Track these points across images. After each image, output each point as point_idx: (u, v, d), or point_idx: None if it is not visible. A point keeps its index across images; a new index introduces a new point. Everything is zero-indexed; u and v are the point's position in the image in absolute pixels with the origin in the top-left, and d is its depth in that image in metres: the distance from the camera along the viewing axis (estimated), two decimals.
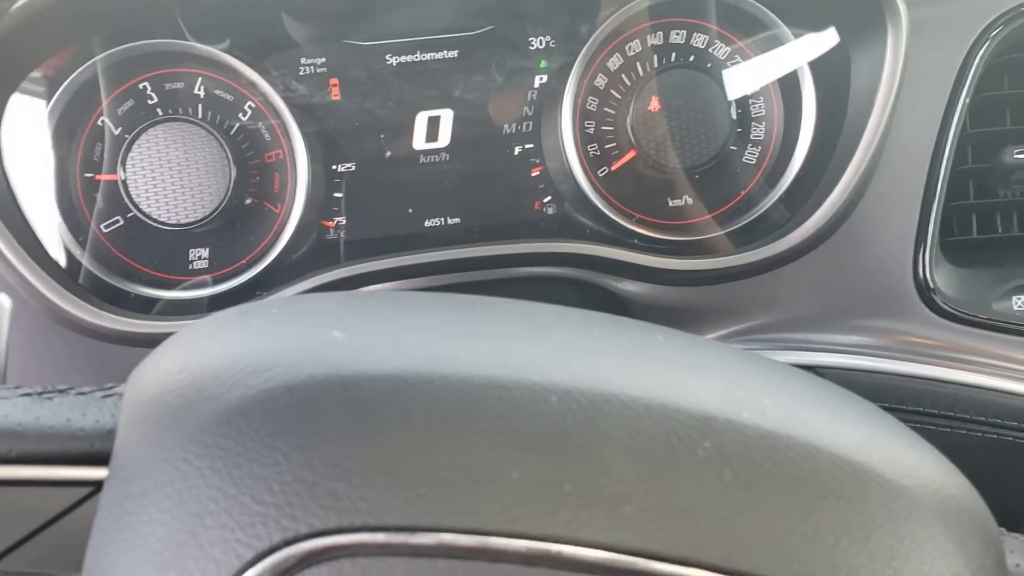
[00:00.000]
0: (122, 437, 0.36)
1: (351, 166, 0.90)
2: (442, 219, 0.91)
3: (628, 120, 0.89)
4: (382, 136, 0.90)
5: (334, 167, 0.90)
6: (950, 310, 0.84)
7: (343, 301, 0.42)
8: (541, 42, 0.90)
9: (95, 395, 0.39)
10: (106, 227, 0.86)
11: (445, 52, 0.89)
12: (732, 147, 0.91)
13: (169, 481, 0.33)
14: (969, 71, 0.83)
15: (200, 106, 0.86)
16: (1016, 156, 0.84)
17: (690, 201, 0.92)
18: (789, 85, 0.91)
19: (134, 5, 0.84)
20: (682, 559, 0.33)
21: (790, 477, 0.35)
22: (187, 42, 0.86)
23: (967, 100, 0.83)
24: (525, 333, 0.40)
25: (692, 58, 0.91)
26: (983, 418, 0.79)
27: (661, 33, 0.91)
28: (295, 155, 0.88)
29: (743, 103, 0.91)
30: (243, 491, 0.32)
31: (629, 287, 0.90)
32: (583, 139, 0.91)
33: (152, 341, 0.79)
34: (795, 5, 0.90)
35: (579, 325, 0.42)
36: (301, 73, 0.88)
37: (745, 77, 0.89)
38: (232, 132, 0.87)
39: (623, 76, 0.91)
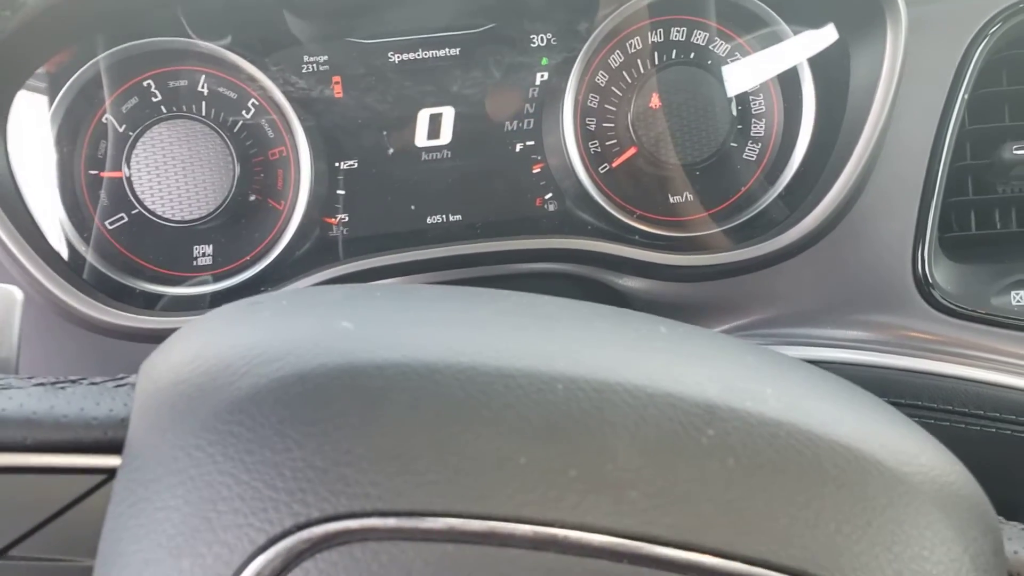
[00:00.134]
0: (135, 425, 0.36)
1: (353, 163, 0.90)
2: (444, 216, 0.91)
3: (629, 117, 0.89)
4: (384, 133, 0.90)
5: (337, 164, 0.90)
6: (949, 305, 0.85)
7: (351, 292, 0.42)
8: (542, 39, 0.91)
9: (107, 385, 0.39)
10: (111, 224, 0.87)
11: (447, 50, 0.90)
12: (732, 144, 0.91)
13: (182, 468, 0.34)
14: (968, 67, 0.83)
15: (204, 103, 0.87)
16: (1015, 152, 0.85)
17: (691, 197, 0.93)
18: (789, 82, 0.92)
19: (138, 4, 0.84)
20: (686, 544, 0.34)
21: (792, 464, 0.36)
22: (190, 40, 0.86)
23: (966, 96, 0.84)
24: (532, 324, 0.40)
25: (692, 55, 0.91)
26: (981, 411, 0.80)
27: (661, 30, 0.91)
28: (298, 152, 0.88)
29: (743, 100, 0.92)
30: (255, 477, 0.33)
31: (630, 283, 0.90)
32: (584, 136, 0.91)
33: (156, 337, 0.80)
34: (794, 2, 0.90)
35: (584, 316, 0.42)
36: (304, 70, 0.89)
37: (745, 74, 0.90)
38: (236, 129, 0.87)
39: (624, 73, 0.91)
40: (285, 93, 0.88)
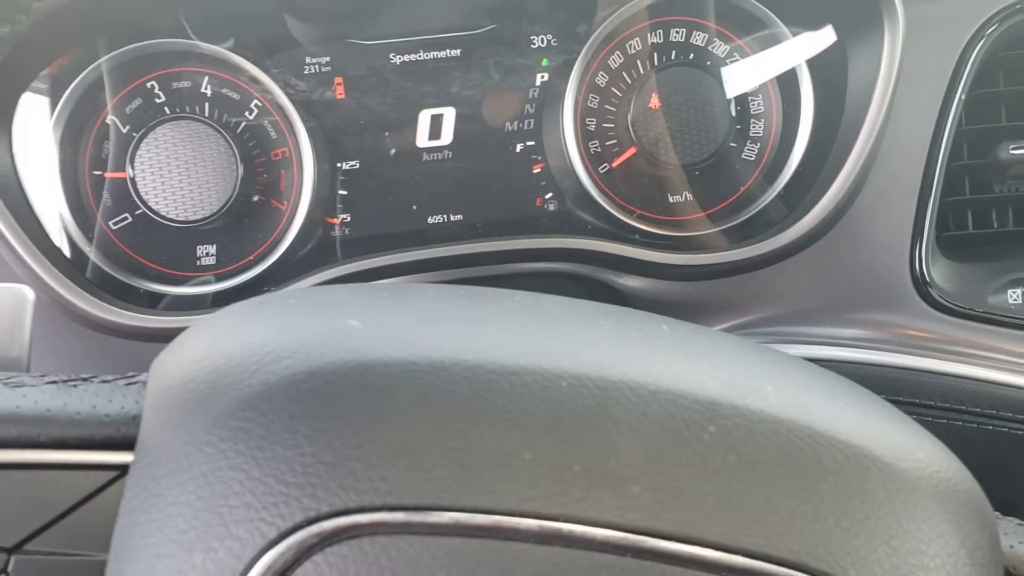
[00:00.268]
0: (147, 422, 0.37)
1: (355, 163, 0.91)
2: (445, 216, 0.92)
3: (629, 117, 0.90)
4: (386, 134, 0.91)
5: (339, 165, 0.91)
6: (946, 304, 0.85)
7: (358, 291, 0.43)
8: (542, 40, 0.92)
9: (119, 383, 0.40)
10: (115, 224, 0.87)
11: (448, 51, 0.90)
12: (731, 144, 0.92)
13: (195, 463, 0.34)
14: (965, 68, 0.84)
15: (207, 104, 0.87)
16: (1011, 152, 0.85)
17: (690, 197, 0.93)
18: (787, 82, 0.93)
19: (141, 7, 0.85)
20: (688, 537, 0.34)
21: (792, 460, 0.37)
22: (193, 42, 0.87)
23: (963, 97, 0.85)
24: (536, 322, 0.41)
25: (692, 56, 0.92)
26: (979, 409, 0.81)
27: (661, 31, 0.92)
28: (301, 153, 0.89)
29: (742, 100, 0.92)
30: (266, 472, 0.34)
31: (630, 282, 0.91)
32: (584, 136, 0.92)
33: (158, 336, 0.81)
34: (793, 4, 0.91)
35: (588, 315, 0.43)
36: (306, 72, 0.89)
37: (744, 75, 0.91)
38: (239, 130, 0.88)
39: (623, 74, 0.92)
40: (288, 94, 0.88)
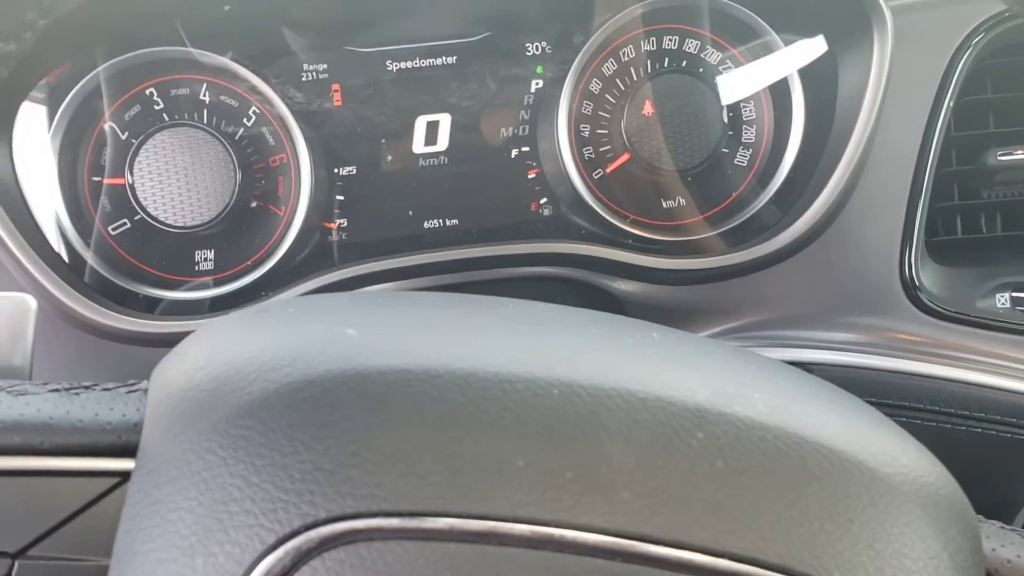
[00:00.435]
0: (149, 430, 0.38)
1: (352, 169, 0.92)
2: (441, 221, 0.93)
3: (622, 124, 0.91)
4: (382, 140, 0.92)
5: (336, 170, 0.91)
6: (935, 308, 0.86)
7: (355, 300, 0.44)
8: (537, 48, 0.93)
9: (120, 391, 0.41)
10: (113, 229, 0.88)
11: (444, 58, 0.91)
12: (724, 150, 0.93)
13: (195, 470, 0.35)
14: (953, 76, 0.85)
15: (205, 111, 0.88)
16: (999, 158, 0.86)
17: (683, 202, 0.94)
18: (779, 89, 0.94)
19: (139, 17, 0.85)
20: (677, 542, 0.35)
21: (778, 466, 0.37)
22: (191, 50, 0.88)
23: (951, 104, 0.86)
24: (529, 330, 0.42)
25: (684, 63, 0.93)
26: (967, 412, 0.82)
27: (654, 39, 0.93)
28: (299, 159, 0.89)
29: (734, 107, 0.93)
30: (265, 479, 0.34)
31: (624, 286, 0.92)
32: (578, 142, 0.93)
33: (157, 340, 0.81)
34: (784, 13, 0.92)
35: (580, 323, 0.44)
36: (303, 79, 0.90)
37: (736, 83, 0.92)
38: (237, 137, 0.89)
39: (617, 81, 0.93)
40: (285, 102, 0.89)
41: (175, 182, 0.85)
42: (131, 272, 0.89)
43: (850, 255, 0.89)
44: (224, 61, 0.88)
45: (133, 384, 0.42)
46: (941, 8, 0.86)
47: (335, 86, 0.90)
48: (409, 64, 0.91)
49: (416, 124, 0.91)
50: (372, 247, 0.92)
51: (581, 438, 0.36)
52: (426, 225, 0.93)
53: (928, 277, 0.88)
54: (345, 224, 0.92)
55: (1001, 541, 0.43)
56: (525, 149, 0.93)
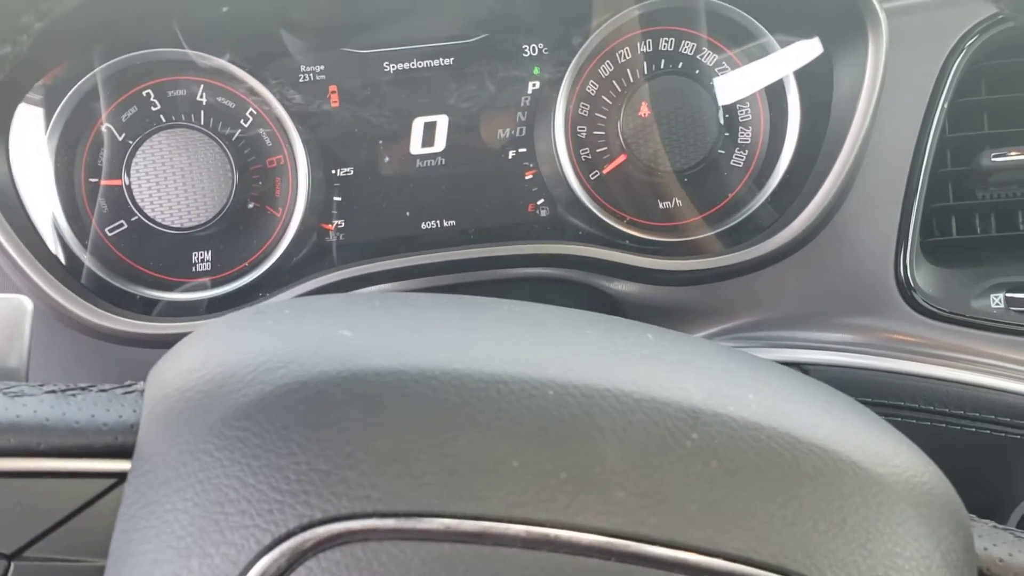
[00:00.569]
0: (145, 431, 0.38)
1: (350, 170, 0.92)
2: (438, 222, 0.93)
3: (619, 125, 0.91)
4: (380, 141, 0.92)
5: (333, 171, 0.92)
6: (930, 308, 0.87)
7: (351, 302, 0.44)
8: (534, 50, 0.93)
9: (116, 392, 0.41)
10: (110, 230, 0.88)
11: (441, 60, 0.91)
12: (720, 151, 0.93)
13: (191, 471, 0.35)
14: (947, 78, 0.85)
15: (203, 113, 0.88)
16: (993, 159, 0.87)
17: (679, 203, 0.94)
18: (774, 91, 0.94)
19: (136, 19, 0.85)
20: (671, 542, 0.35)
21: (772, 466, 0.38)
22: (187, 51, 0.88)
23: (945, 105, 0.86)
24: (524, 331, 0.42)
25: (681, 65, 0.93)
26: (962, 412, 0.82)
27: (651, 41, 0.93)
28: (296, 160, 0.90)
29: (730, 108, 0.94)
30: (261, 480, 0.34)
31: (620, 287, 0.92)
32: (575, 144, 0.93)
33: (154, 341, 0.81)
34: (780, 15, 0.92)
35: (575, 324, 0.44)
36: (301, 81, 0.90)
37: (733, 85, 0.92)
38: (234, 138, 0.89)
39: (614, 83, 0.93)
40: (283, 103, 0.89)
41: (172, 183, 0.85)
42: (128, 273, 0.89)
43: (845, 255, 0.89)
44: (221, 63, 0.88)
45: (129, 385, 0.42)
46: (936, 11, 0.86)
47: (332, 87, 0.90)
48: (406, 65, 0.91)
49: (413, 125, 0.92)
50: (369, 248, 0.92)
51: (576, 438, 0.36)
52: (423, 226, 0.93)
53: (923, 277, 0.88)
54: (342, 225, 0.92)
55: (993, 540, 0.43)
56: (522, 150, 0.94)
